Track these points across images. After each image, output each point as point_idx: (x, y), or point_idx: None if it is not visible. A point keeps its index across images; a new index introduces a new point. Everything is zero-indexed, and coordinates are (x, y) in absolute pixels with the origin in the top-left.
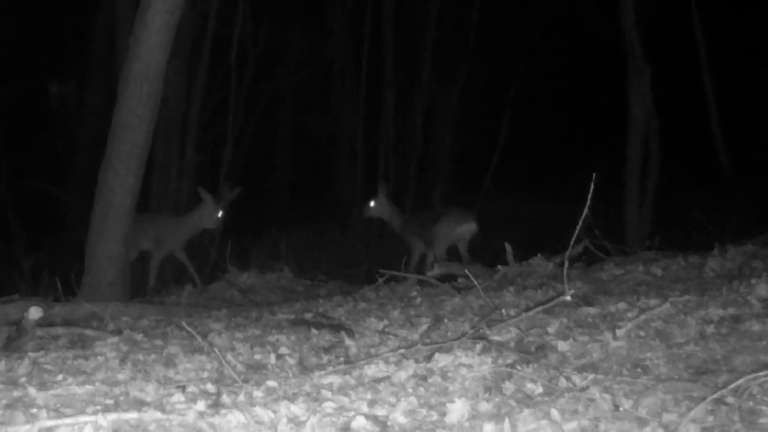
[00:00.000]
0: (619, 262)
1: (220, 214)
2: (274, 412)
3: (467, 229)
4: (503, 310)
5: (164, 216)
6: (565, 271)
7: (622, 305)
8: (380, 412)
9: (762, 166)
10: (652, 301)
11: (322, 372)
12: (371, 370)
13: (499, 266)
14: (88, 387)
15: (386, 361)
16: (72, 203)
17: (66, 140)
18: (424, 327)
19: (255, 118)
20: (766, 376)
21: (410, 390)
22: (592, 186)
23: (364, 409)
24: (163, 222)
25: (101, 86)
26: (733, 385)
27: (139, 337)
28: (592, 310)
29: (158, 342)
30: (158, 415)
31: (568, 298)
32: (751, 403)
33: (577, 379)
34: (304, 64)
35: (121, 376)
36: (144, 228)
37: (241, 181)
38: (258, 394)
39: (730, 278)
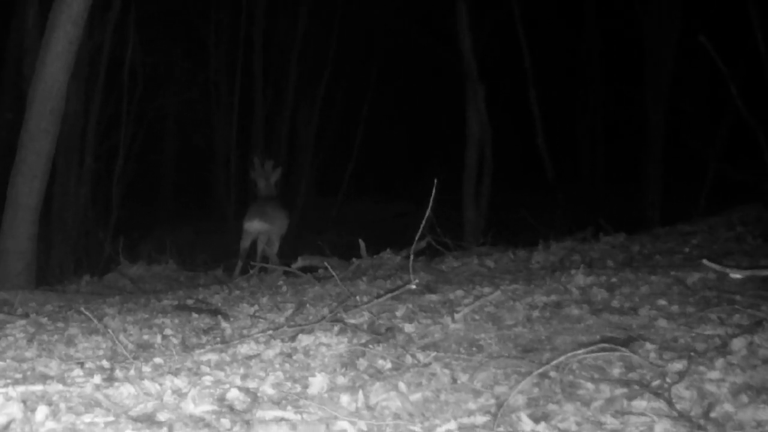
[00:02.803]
0: (458, 255)
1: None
2: (160, 384)
3: (253, 227)
4: (357, 297)
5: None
6: (410, 264)
7: (459, 293)
8: (251, 384)
9: (579, 174)
10: (486, 289)
11: (202, 350)
12: (244, 349)
13: (353, 259)
14: (0, 363)
15: (257, 341)
16: None
17: None
18: (289, 311)
19: (144, 130)
20: (583, 353)
21: (277, 366)
22: (433, 190)
23: (238, 382)
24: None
25: (11, 104)
26: (555, 362)
27: (43, 320)
28: (434, 297)
29: (60, 324)
30: (60, 387)
31: (413, 286)
32: (571, 377)
33: (421, 356)
34: (187, 84)
35: (28, 354)
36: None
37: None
38: (146, 369)
39: (553, 270)
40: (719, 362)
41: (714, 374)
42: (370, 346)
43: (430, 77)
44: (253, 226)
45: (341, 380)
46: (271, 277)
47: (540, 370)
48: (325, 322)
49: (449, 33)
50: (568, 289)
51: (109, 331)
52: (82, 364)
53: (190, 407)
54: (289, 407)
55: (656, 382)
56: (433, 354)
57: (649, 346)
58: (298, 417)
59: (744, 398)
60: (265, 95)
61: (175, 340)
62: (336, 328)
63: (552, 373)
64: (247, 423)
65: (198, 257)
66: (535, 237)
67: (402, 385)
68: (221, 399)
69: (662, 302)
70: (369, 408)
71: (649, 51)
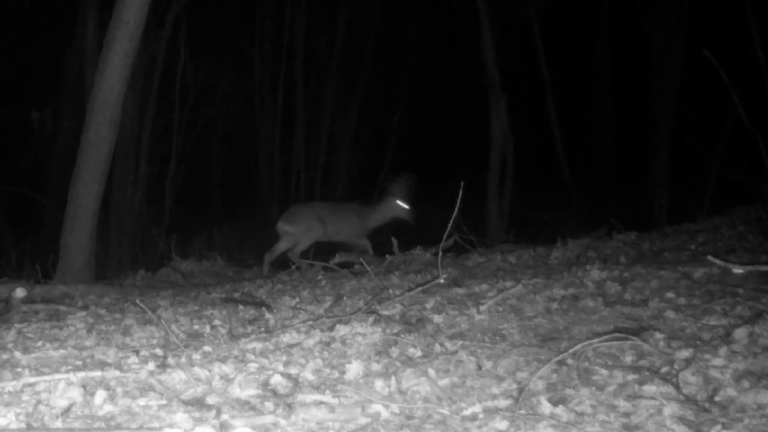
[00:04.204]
0: (482, 252)
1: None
2: (209, 371)
3: (278, 227)
4: (390, 290)
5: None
6: (439, 260)
7: (484, 286)
8: (293, 371)
9: (592, 177)
10: (508, 283)
11: (247, 339)
12: (286, 338)
13: (387, 255)
14: (62, 351)
15: (298, 331)
16: (49, 206)
17: (44, 156)
18: (328, 303)
19: (194, 136)
20: (598, 342)
21: (317, 353)
22: (460, 192)
23: (281, 368)
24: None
25: (72, 113)
26: (572, 350)
27: (102, 311)
28: (460, 290)
29: (117, 315)
30: (117, 373)
31: (442, 280)
32: (586, 364)
33: (448, 345)
34: (233, 94)
35: (87, 343)
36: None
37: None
38: (196, 356)
39: (570, 265)
40: (723, 350)
41: (718, 361)
42: (402, 335)
43: (456, 88)
44: (278, 226)
45: (375, 367)
46: (311, 272)
47: (558, 358)
48: (360, 313)
49: (474, 47)
50: (584, 283)
51: (162, 321)
52: (137, 352)
53: (236, 391)
54: (327, 392)
55: (665, 369)
56: (460, 343)
57: (658, 335)
58: (336, 401)
59: (746, 383)
60: (305, 104)
61: (222, 330)
62: (371, 319)
63: (569, 361)
64: (289, 406)
65: (244, 254)
66: (553, 235)
67: (431, 372)
68: (265, 384)
69: (670, 295)
70: (401, 392)
71: (657, 64)
